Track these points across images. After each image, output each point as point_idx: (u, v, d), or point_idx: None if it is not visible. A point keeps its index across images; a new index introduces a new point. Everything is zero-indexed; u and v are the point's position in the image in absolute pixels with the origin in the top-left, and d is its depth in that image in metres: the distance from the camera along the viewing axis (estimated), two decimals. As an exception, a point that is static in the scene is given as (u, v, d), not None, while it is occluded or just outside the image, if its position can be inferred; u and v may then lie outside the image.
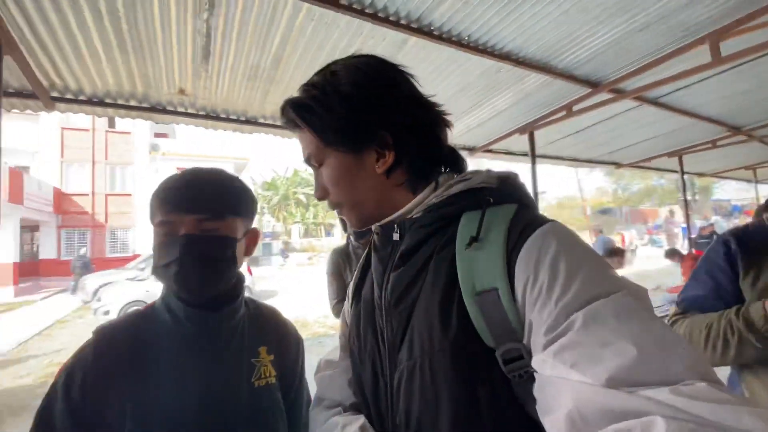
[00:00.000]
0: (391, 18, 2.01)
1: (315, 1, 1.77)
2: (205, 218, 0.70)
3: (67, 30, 1.90)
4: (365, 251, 0.72)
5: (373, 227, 0.65)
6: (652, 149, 5.08)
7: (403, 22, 2.06)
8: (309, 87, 0.60)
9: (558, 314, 0.41)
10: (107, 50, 2.08)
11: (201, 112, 2.89)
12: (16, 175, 11.87)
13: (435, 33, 2.18)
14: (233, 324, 0.77)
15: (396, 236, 0.61)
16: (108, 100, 2.65)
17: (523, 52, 2.47)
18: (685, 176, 6.09)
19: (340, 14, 1.89)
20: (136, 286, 8.70)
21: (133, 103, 2.71)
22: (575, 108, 3.19)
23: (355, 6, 1.88)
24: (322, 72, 0.61)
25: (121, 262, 13.74)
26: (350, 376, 0.68)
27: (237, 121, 3.00)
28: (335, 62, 0.61)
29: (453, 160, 0.64)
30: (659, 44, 2.46)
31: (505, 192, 0.58)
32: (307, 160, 0.63)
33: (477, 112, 3.45)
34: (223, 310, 0.75)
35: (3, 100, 2.15)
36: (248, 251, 0.82)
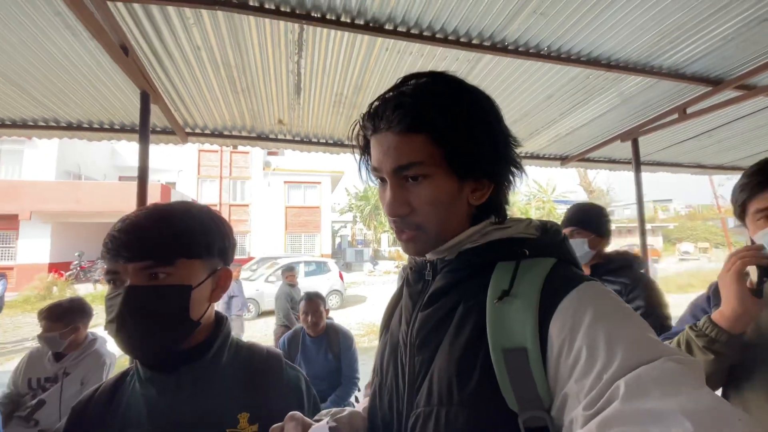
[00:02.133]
0: (462, 40, 2.03)
1: (387, 35, 1.90)
2: (148, 266, 0.60)
3: (196, 81, 2.37)
4: (401, 283, 0.71)
5: (407, 260, 0.65)
6: (812, 150, 4.05)
7: (475, 41, 2.06)
8: (434, 92, 0.53)
9: (601, 386, 0.39)
10: (223, 94, 2.53)
11: (296, 138, 3.28)
12: (166, 189, 14.69)
13: (510, 48, 2.13)
14: (202, 385, 0.65)
15: (428, 275, 0.60)
16: (226, 132, 3.20)
17: (615, 56, 2.25)
18: None
19: (411, 42, 2.00)
20: (248, 285, 10.00)
21: (244, 133, 3.21)
22: (690, 110, 2.75)
23: (425, 33, 1.96)
24: (447, 84, 0.55)
25: (238, 263, 15.92)
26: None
27: (325, 144, 3.33)
28: (453, 79, 0.56)
29: (505, 205, 0.61)
30: (804, 28, 2.01)
31: (545, 244, 0.56)
32: (401, 169, 0.54)
33: (567, 121, 3.21)
34: (180, 370, 0.64)
35: (152, 136, 2.77)
36: (215, 296, 0.69)
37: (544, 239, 0.56)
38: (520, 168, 0.59)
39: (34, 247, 14.44)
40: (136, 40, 1.96)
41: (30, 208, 13.78)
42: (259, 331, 8.42)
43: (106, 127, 2.96)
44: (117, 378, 0.70)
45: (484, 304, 0.50)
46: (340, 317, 7.79)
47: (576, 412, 0.40)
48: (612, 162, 4.33)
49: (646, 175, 3.58)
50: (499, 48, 2.10)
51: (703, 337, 0.83)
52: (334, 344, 2.62)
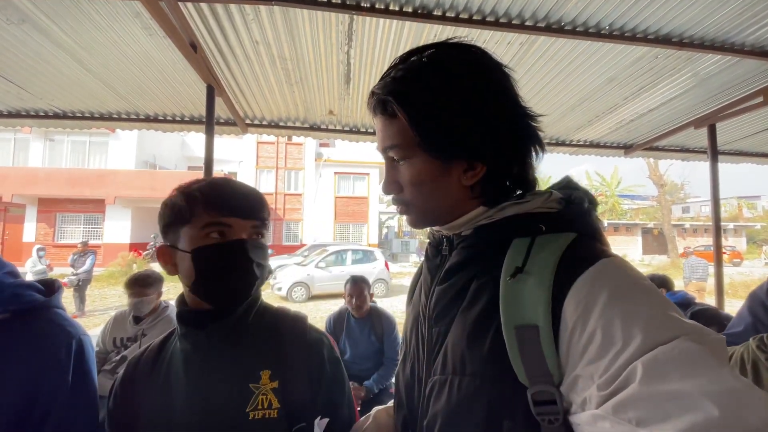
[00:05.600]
0: (514, 22, 1.97)
1: (436, 21, 1.90)
2: (258, 224, 0.71)
3: (254, 74, 2.53)
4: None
5: (427, 236, 0.66)
6: None
7: (528, 23, 1.99)
8: (413, 75, 0.53)
9: (617, 367, 0.38)
10: (279, 87, 2.68)
11: (346, 128, 3.38)
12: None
13: (567, 28, 2.02)
14: (229, 341, 0.69)
15: (445, 250, 0.61)
16: (281, 123, 3.38)
17: (689, 33, 2.05)
18: None
19: (459, 27, 1.97)
20: (300, 270, 10.51)
21: (298, 124, 3.38)
22: (779, 91, 2.43)
23: (475, 17, 1.92)
24: (425, 57, 0.53)
25: (292, 249, 16.77)
26: None
27: (373, 133, 3.37)
28: (440, 48, 0.55)
29: (534, 183, 0.58)
30: None
31: (566, 219, 0.53)
32: (386, 150, 0.56)
33: (631, 106, 2.98)
34: (208, 326, 0.68)
35: (216, 127, 3.01)
36: None
37: (566, 213, 0.53)
38: (526, 146, 0.56)
39: (117, 229, 16.33)
40: (203, 37, 2.14)
41: (114, 193, 15.55)
42: (309, 314, 8.86)
43: (177, 119, 3.26)
44: (166, 335, 0.78)
45: (498, 280, 0.50)
46: (385, 305, 7.90)
47: (590, 391, 0.40)
48: (685, 151, 3.95)
49: (729, 168, 3.29)
50: (554, 29, 2.00)
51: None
52: (378, 326, 2.70)
